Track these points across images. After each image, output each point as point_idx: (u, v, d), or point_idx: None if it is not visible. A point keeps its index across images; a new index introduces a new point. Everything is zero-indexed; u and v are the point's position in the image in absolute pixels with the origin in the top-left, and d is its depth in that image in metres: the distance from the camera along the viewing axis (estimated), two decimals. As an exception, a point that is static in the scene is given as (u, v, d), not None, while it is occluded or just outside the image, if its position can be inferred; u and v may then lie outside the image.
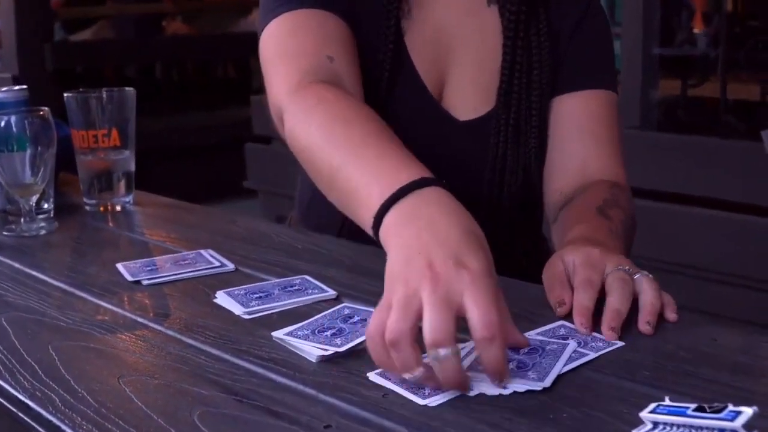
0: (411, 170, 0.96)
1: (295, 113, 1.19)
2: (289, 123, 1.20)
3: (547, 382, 0.83)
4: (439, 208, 0.91)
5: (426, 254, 0.84)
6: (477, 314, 0.80)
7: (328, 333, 0.94)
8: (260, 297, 1.08)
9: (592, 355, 0.89)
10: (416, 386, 0.82)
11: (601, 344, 0.92)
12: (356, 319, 0.98)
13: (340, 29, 1.31)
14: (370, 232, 0.97)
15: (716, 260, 2.85)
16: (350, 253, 1.26)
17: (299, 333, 0.95)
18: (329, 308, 1.03)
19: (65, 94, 1.54)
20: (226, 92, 7.49)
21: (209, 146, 6.28)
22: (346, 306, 1.03)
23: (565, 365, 0.86)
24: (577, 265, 1.03)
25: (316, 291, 1.10)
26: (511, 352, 0.87)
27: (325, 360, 0.90)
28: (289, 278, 1.15)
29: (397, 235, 0.91)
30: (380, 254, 1.23)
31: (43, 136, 1.43)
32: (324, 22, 1.30)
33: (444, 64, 1.39)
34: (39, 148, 1.42)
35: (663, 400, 0.75)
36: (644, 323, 0.95)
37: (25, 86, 1.59)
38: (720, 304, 2.79)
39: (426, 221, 0.89)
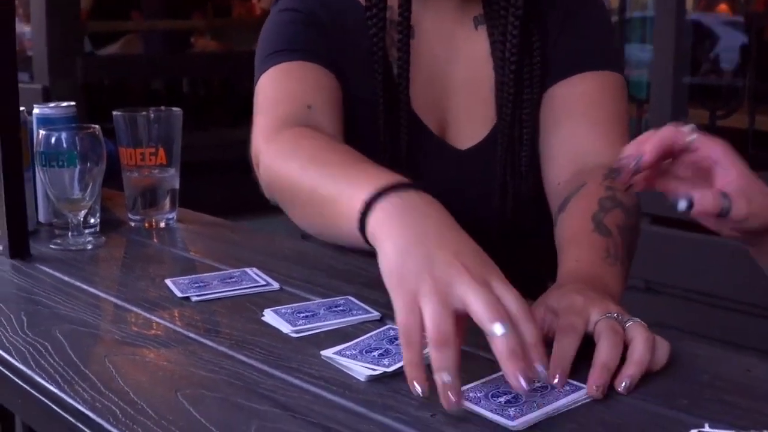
0: (392, 176, 0.98)
1: (272, 154, 1.22)
2: (266, 163, 1.23)
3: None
4: (423, 204, 0.94)
5: (427, 246, 0.88)
6: (509, 297, 0.85)
7: (376, 353, 0.98)
8: (307, 316, 1.12)
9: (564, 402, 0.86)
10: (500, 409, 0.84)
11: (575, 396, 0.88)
12: (402, 340, 1.01)
13: (325, 79, 1.35)
14: (354, 237, 0.96)
15: (735, 289, 2.86)
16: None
17: (347, 353, 0.98)
18: (374, 329, 1.06)
19: (114, 113, 1.58)
20: (252, 109, 7.55)
21: (234, 162, 6.33)
22: (391, 327, 1.06)
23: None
24: (560, 311, 0.97)
25: (361, 312, 1.13)
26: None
27: (373, 379, 0.93)
28: (333, 299, 1.18)
29: (390, 226, 0.92)
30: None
31: (93, 153, 1.47)
32: (308, 72, 1.35)
33: (442, 99, 1.41)
34: (88, 165, 1.46)
35: (702, 427, 0.78)
36: (621, 381, 0.88)
37: (73, 102, 1.63)
38: (738, 333, 2.80)
39: (415, 215, 0.92)
